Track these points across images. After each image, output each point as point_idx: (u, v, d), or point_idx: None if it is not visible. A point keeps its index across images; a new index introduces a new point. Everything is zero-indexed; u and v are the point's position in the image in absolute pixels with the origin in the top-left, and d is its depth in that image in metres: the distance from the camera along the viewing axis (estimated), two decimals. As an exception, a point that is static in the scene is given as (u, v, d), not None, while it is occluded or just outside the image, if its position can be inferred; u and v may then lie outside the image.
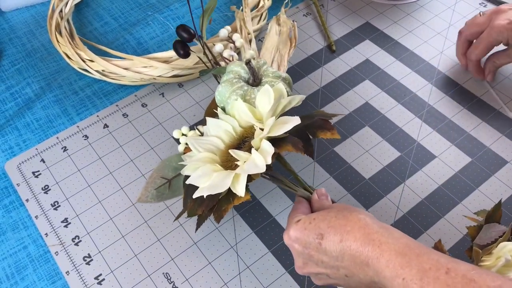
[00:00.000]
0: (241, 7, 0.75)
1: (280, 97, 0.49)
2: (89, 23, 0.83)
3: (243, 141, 0.50)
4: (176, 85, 0.73)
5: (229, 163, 0.49)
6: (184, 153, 0.55)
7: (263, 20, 0.78)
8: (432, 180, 0.61)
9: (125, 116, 0.70)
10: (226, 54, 0.62)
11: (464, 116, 0.67)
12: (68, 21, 0.78)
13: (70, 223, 0.60)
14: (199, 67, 0.71)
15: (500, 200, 0.50)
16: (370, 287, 0.42)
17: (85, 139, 0.67)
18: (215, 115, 0.53)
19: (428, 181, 0.61)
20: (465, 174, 0.61)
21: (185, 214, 0.52)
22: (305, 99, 0.66)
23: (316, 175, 0.62)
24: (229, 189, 0.46)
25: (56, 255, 0.57)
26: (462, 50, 0.69)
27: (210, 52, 0.61)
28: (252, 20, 0.75)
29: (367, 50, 0.76)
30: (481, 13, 0.67)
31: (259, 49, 0.72)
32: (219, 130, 0.51)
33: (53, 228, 0.59)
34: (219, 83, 0.56)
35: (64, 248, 0.58)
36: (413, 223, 0.58)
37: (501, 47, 0.66)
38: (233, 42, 0.65)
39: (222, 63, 0.63)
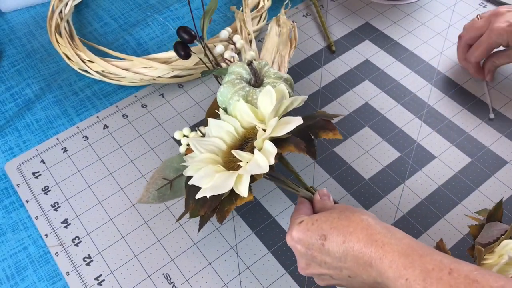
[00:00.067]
0: (241, 8, 0.75)
1: (282, 98, 0.50)
2: (89, 24, 0.83)
3: (245, 142, 0.50)
4: (176, 85, 0.73)
5: (231, 164, 0.49)
6: (186, 154, 0.55)
7: (263, 20, 0.78)
8: (432, 181, 0.61)
9: (125, 116, 0.70)
10: (227, 55, 0.62)
11: (464, 117, 0.67)
12: (68, 22, 0.78)
13: (70, 223, 0.60)
14: (199, 68, 0.71)
15: (502, 199, 0.50)
16: None
17: (85, 140, 0.67)
18: (217, 116, 0.53)
19: (428, 181, 0.61)
20: (465, 174, 0.61)
21: (187, 215, 0.52)
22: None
23: (316, 176, 0.62)
24: (232, 189, 0.46)
25: (56, 255, 0.57)
26: (463, 55, 0.69)
27: (211, 53, 0.61)
28: (252, 20, 0.75)
29: (367, 51, 0.76)
30: (478, 16, 0.67)
31: (259, 49, 0.72)
32: (221, 131, 0.51)
33: (53, 228, 0.59)
34: (220, 84, 0.56)
35: (64, 249, 0.58)
36: (413, 223, 0.58)
37: (500, 47, 0.66)
38: (234, 43, 0.65)
39: (223, 64, 0.63)
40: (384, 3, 0.82)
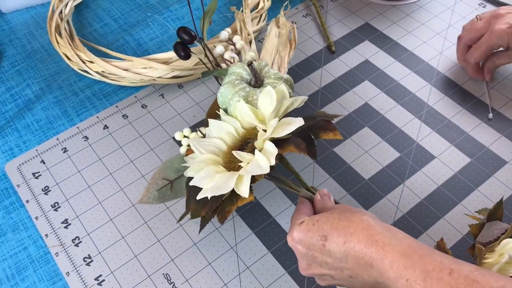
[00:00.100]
0: (241, 8, 0.75)
1: (282, 99, 0.50)
2: (89, 24, 0.83)
3: (246, 143, 0.51)
4: (176, 86, 0.73)
5: (232, 165, 0.49)
6: (187, 155, 0.55)
7: (263, 21, 0.78)
8: (431, 181, 0.61)
9: (125, 117, 0.70)
10: (227, 56, 0.62)
11: (464, 117, 0.67)
12: (68, 22, 0.78)
13: (70, 224, 0.60)
14: (199, 68, 0.72)
15: (502, 198, 0.50)
16: None
17: (85, 140, 0.67)
18: (217, 117, 0.53)
19: (427, 181, 0.61)
20: (465, 174, 0.61)
21: (188, 216, 0.52)
22: (305, 99, 0.66)
23: (315, 176, 0.62)
24: (233, 190, 0.46)
25: (56, 256, 0.57)
26: (463, 56, 0.69)
27: (211, 54, 0.61)
28: (251, 21, 0.75)
29: (366, 51, 0.76)
30: (478, 16, 0.67)
31: (258, 50, 0.72)
32: (222, 131, 0.51)
33: (53, 229, 0.59)
34: (220, 84, 0.56)
35: (64, 249, 0.58)
36: (413, 223, 0.58)
37: (500, 49, 0.67)
38: (234, 44, 0.65)
39: (223, 65, 0.63)
40: (384, 3, 0.83)
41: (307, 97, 0.52)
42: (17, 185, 0.63)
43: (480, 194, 0.60)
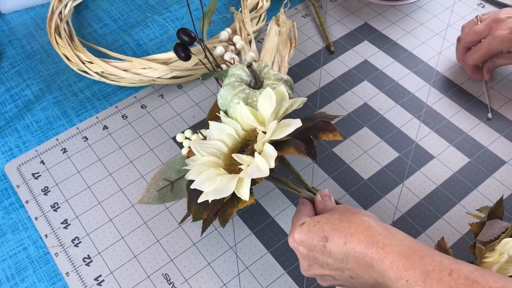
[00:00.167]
0: (240, 9, 0.75)
1: (282, 100, 0.50)
2: (89, 25, 0.83)
3: (246, 144, 0.51)
4: (175, 86, 0.73)
5: (232, 167, 0.49)
6: (188, 157, 0.55)
7: (262, 21, 0.78)
8: (430, 181, 0.61)
9: (125, 117, 0.70)
10: (227, 56, 0.62)
11: (463, 117, 0.67)
12: (67, 23, 0.78)
13: (69, 224, 0.60)
14: (198, 69, 0.72)
15: (502, 197, 0.50)
16: None
17: (84, 141, 0.68)
18: (218, 119, 0.54)
19: (426, 181, 0.61)
20: (464, 174, 0.62)
21: (189, 217, 0.52)
22: (304, 100, 0.66)
23: (315, 176, 0.62)
24: (233, 192, 0.46)
25: (56, 256, 0.57)
26: (462, 57, 0.69)
27: (211, 55, 0.62)
28: (251, 21, 0.75)
29: (365, 51, 0.76)
30: (478, 17, 0.67)
31: (259, 50, 0.72)
32: (222, 133, 0.51)
33: (53, 229, 0.59)
34: (221, 86, 0.56)
35: (64, 249, 0.58)
36: (412, 223, 0.58)
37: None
38: (234, 44, 0.65)
39: (223, 66, 0.63)
40: (383, 3, 0.83)
41: (306, 99, 0.52)
42: (16, 186, 0.63)
43: (479, 194, 0.60)
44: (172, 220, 0.60)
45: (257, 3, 0.80)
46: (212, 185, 0.47)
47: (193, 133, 0.59)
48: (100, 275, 0.56)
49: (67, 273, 0.56)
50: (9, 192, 0.63)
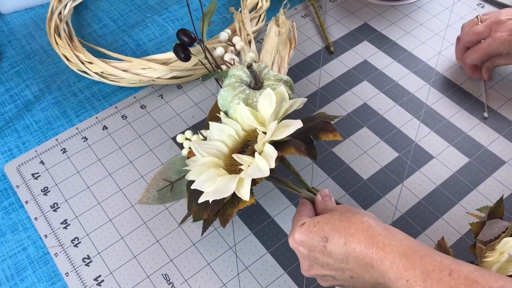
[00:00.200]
0: (240, 9, 0.75)
1: (282, 100, 0.50)
2: (88, 25, 0.83)
3: (246, 145, 0.51)
4: (175, 86, 0.73)
5: (233, 167, 0.49)
6: (188, 157, 0.55)
7: (262, 21, 0.78)
8: (430, 181, 0.61)
9: (124, 117, 0.70)
10: (227, 57, 0.62)
11: (462, 117, 0.67)
12: (67, 23, 0.78)
13: (69, 224, 0.60)
14: (198, 69, 0.72)
15: (502, 196, 0.50)
16: None
17: (84, 141, 0.68)
18: (218, 119, 0.54)
19: (426, 181, 0.61)
20: (463, 174, 0.62)
21: (190, 218, 0.52)
22: (304, 100, 0.66)
23: (314, 176, 0.62)
24: (234, 193, 0.46)
25: (56, 256, 0.57)
26: (461, 57, 0.69)
27: (211, 55, 0.62)
28: (250, 21, 0.75)
29: (365, 51, 0.76)
30: (478, 17, 0.67)
31: (258, 50, 0.72)
32: (222, 134, 0.52)
33: (52, 229, 0.59)
34: (221, 86, 0.56)
35: (64, 250, 0.58)
36: (411, 223, 0.58)
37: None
38: (233, 45, 0.65)
39: (223, 66, 0.63)
40: (382, 3, 0.83)
41: (306, 99, 0.52)
42: (16, 186, 0.63)
43: (479, 194, 0.60)
44: (172, 220, 0.60)
45: (257, 4, 0.80)
46: (213, 185, 0.47)
47: (194, 133, 0.59)
48: (100, 275, 0.56)
49: (67, 273, 0.56)
50: (9, 192, 0.63)
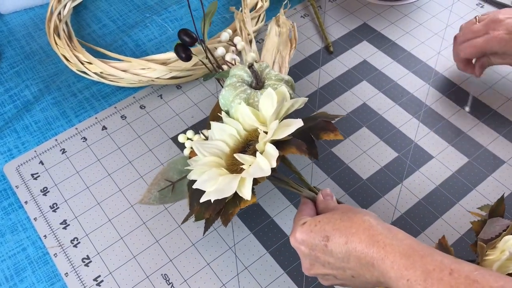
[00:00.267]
0: (240, 8, 0.75)
1: (283, 100, 0.50)
2: (88, 26, 0.83)
3: (248, 144, 0.51)
4: (175, 86, 0.73)
5: (234, 167, 0.49)
6: (190, 157, 0.55)
7: (261, 21, 0.78)
8: (429, 181, 0.61)
9: (124, 118, 0.70)
10: (228, 57, 0.62)
11: (462, 117, 0.67)
12: (66, 23, 0.78)
13: (69, 224, 0.60)
14: (198, 69, 0.72)
15: (503, 195, 0.50)
16: (376, 287, 0.43)
17: (83, 141, 0.68)
18: (219, 119, 0.54)
19: (425, 181, 0.61)
20: (463, 174, 0.62)
21: (191, 217, 0.52)
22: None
23: (314, 176, 0.62)
24: (235, 192, 0.46)
25: (55, 256, 0.57)
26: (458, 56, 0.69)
27: (213, 56, 0.62)
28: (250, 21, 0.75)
29: (364, 51, 0.76)
30: (477, 17, 0.67)
31: (258, 50, 0.72)
32: (224, 134, 0.52)
33: (52, 230, 0.59)
34: (222, 86, 0.56)
35: (63, 250, 0.58)
36: (411, 223, 0.58)
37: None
38: (235, 45, 0.65)
39: (224, 66, 0.63)
40: (382, 3, 0.83)
41: (307, 99, 0.52)
42: (15, 186, 0.63)
43: (478, 194, 0.60)
44: (171, 220, 0.60)
45: (256, 3, 0.80)
46: (214, 185, 0.47)
47: (195, 133, 0.59)
48: (99, 276, 0.56)
49: (66, 273, 0.56)
50: (8, 192, 0.63)
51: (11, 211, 0.62)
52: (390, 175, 0.62)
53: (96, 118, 0.70)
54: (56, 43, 0.75)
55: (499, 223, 0.47)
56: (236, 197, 0.47)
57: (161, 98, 0.72)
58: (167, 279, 0.55)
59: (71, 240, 0.58)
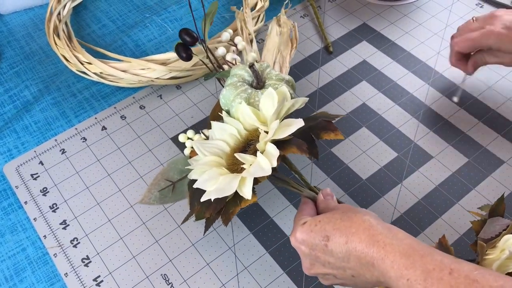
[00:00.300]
0: (241, 8, 0.75)
1: (283, 100, 0.50)
2: (87, 26, 0.83)
3: (248, 144, 0.51)
4: (174, 87, 0.73)
5: (235, 166, 0.49)
6: (190, 157, 0.55)
7: (261, 21, 0.78)
8: (429, 181, 0.61)
9: (123, 118, 0.70)
10: (229, 57, 0.62)
11: (461, 117, 0.67)
12: (66, 23, 0.78)
13: (68, 225, 0.60)
14: (197, 69, 0.72)
15: (503, 194, 0.50)
16: (377, 287, 0.43)
17: (83, 141, 0.68)
18: (220, 119, 0.54)
19: (425, 181, 0.61)
20: (462, 174, 0.62)
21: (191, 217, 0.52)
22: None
23: (313, 176, 0.62)
24: (236, 191, 0.47)
25: (55, 257, 0.57)
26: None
27: (213, 56, 0.62)
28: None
29: (364, 51, 0.76)
30: (474, 18, 0.67)
31: (259, 50, 0.72)
32: (224, 133, 0.52)
33: (51, 230, 0.59)
34: (223, 86, 0.56)
35: (63, 250, 0.58)
36: (410, 223, 0.58)
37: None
38: (235, 45, 0.65)
39: (225, 66, 0.63)
40: (381, 3, 0.83)
41: (308, 98, 0.52)
42: (15, 187, 0.63)
43: (478, 194, 0.60)
44: (171, 220, 0.60)
45: (256, 4, 0.80)
46: (215, 184, 0.47)
47: (195, 133, 0.59)
48: (99, 276, 0.56)
49: (66, 273, 0.56)
50: (8, 193, 0.63)
51: (10, 211, 0.62)
52: (389, 175, 0.62)
53: (95, 118, 0.70)
54: (55, 44, 0.75)
55: (499, 222, 0.48)
56: (236, 196, 0.47)
57: (161, 98, 0.72)
58: (167, 279, 0.55)
59: (71, 240, 0.58)
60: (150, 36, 0.81)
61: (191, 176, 0.51)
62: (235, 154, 0.47)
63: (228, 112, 0.54)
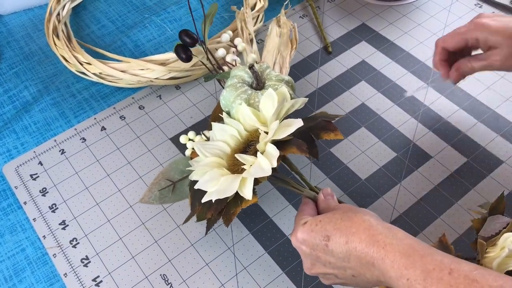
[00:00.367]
0: (242, 8, 0.75)
1: (283, 100, 0.50)
2: (87, 26, 0.83)
3: (249, 145, 0.51)
4: (173, 87, 0.73)
5: (235, 167, 0.49)
6: (191, 158, 0.55)
7: (260, 21, 0.78)
8: (428, 181, 0.61)
9: (123, 118, 0.70)
10: (229, 58, 0.62)
11: (460, 116, 0.67)
12: (65, 24, 0.78)
13: (68, 225, 0.60)
14: (196, 69, 0.72)
15: (503, 192, 0.50)
16: (377, 286, 0.43)
17: (82, 142, 0.68)
18: (221, 120, 0.54)
19: (424, 181, 0.61)
20: (461, 174, 0.62)
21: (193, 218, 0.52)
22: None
23: (312, 176, 0.62)
24: (237, 192, 0.47)
25: (54, 257, 0.57)
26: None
27: (213, 57, 0.62)
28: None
29: (363, 51, 0.76)
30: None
31: (259, 50, 0.72)
32: (225, 134, 0.52)
33: (51, 230, 0.59)
34: (223, 87, 0.56)
35: (62, 250, 0.58)
36: (409, 223, 0.58)
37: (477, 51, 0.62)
38: (235, 46, 0.65)
39: (225, 67, 0.63)
40: (380, 4, 0.83)
41: (307, 99, 0.52)
42: (14, 187, 0.63)
43: (477, 194, 0.60)
44: (170, 220, 0.60)
45: (255, 4, 0.80)
46: (216, 185, 0.47)
47: (196, 134, 0.59)
48: (98, 276, 0.56)
49: (65, 274, 0.56)
50: (7, 193, 0.63)
51: (10, 211, 0.62)
52: (388, 175, 0.62)
53: (95, 118, 0.70)
54: (55, 44, 0.75)
55: (499, 220, 0.48)
56: (237, 197, 0.47)
57: (160, 98, 0.72)
58: (166, 279, 0.55)
59: (70, 241, 0.58)
60: (149, 36, 0.81)
61: (192, 177, 0.51)
62: (236, 155, 0.48)
63: (228, 113, 0.54)
